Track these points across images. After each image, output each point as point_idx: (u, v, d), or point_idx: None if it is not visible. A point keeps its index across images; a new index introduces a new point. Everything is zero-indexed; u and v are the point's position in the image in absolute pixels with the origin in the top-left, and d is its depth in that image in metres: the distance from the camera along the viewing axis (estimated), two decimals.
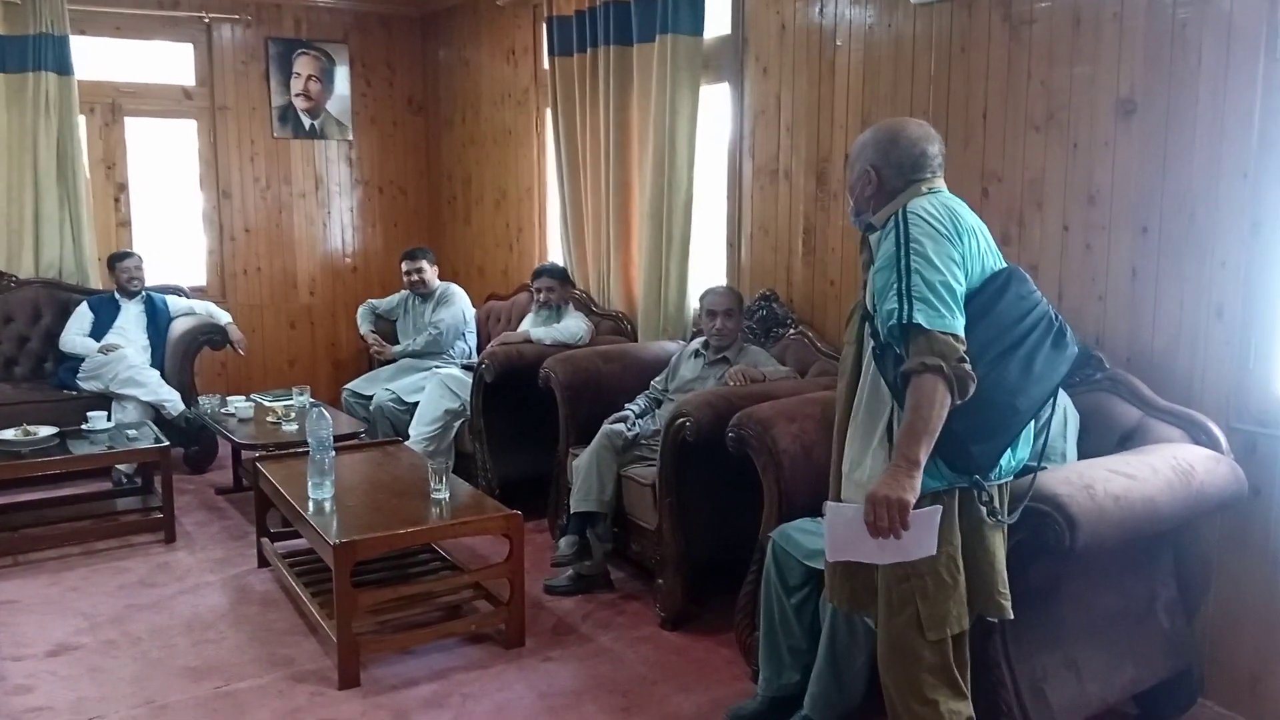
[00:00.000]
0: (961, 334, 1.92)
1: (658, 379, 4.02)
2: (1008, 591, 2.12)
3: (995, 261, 2.13)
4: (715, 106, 4.40)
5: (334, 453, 3.53)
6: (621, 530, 3.73)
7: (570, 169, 5.06)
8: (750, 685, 3.03)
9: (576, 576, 3.72)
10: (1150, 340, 2.89)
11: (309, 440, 3.49)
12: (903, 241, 1.97)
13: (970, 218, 2.11)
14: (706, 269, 4.50)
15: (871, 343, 2.06)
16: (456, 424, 4.66)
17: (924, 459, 1.88)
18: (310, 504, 3.42)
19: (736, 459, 3.15)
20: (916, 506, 1.93)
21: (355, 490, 3.62)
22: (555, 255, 5.50)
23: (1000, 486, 2.12)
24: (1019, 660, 2.37)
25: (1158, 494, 2.40)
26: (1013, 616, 2.14)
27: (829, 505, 2.05)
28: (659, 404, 3.95)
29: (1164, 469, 2.47)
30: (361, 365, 6.10)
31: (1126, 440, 2.75)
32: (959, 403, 1.88)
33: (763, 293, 4.05)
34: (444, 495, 3.42)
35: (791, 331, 3.95)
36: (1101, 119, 2.96)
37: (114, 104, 5.87)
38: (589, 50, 4.82)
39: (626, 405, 3.94)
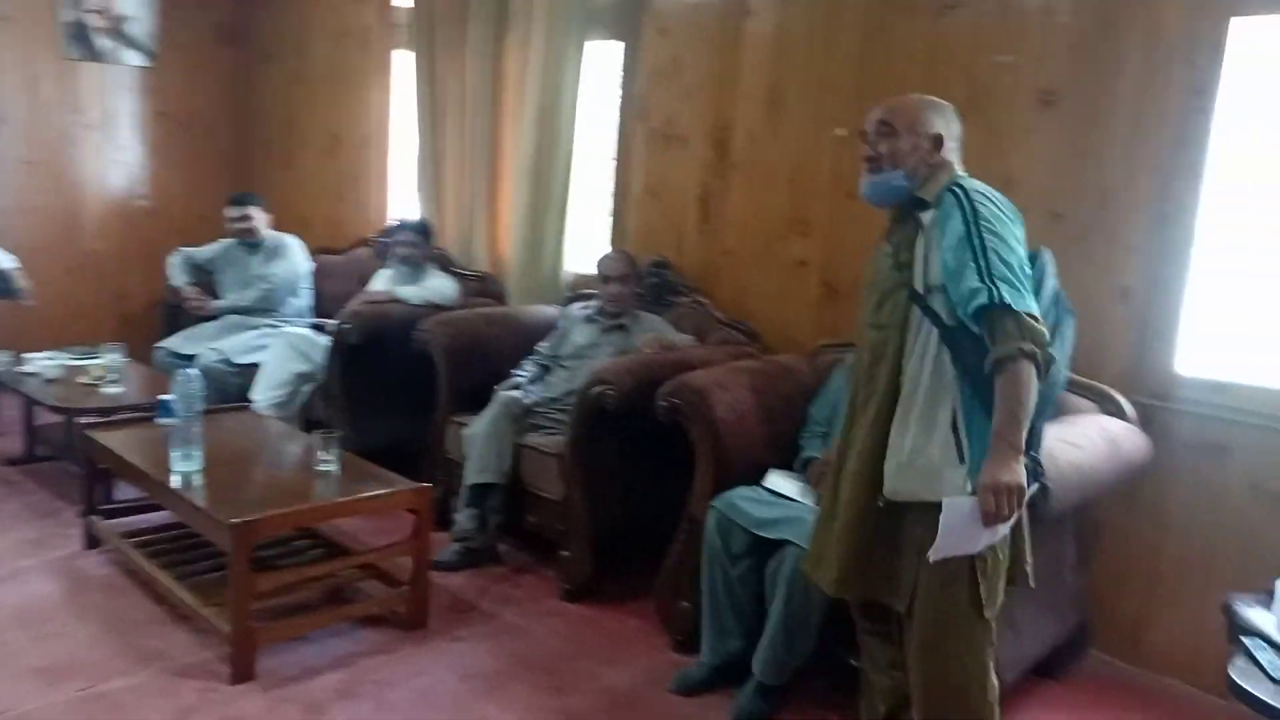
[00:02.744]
0: (1039, 315, 1.91)
1: (543, 344, 3.86)
2: (1030, 559, 2.15)
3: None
4: (602, 63, 4.25)
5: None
6: (515, 502, 3.55)
7: (430, 119, 4.73)
8: (672, 655, 3.00)
9: (465, 551, 3.52)
10: None
11: (175, 404, 3.08)
12: (971, 220, 1.93)
13: None
14: (587, 232, 4.36)
15: (927, 325, 1.99)
16: (306, 388, 4.26)
17: (1023, 444, 1.88)
18: (177, 478, 3.01)
19: (651, 428, 3.08)
20: None
21: (222, 462, 3.21)
22: (402, 209, 5.15)
23: None
24: None
25: (1099, 463, 2.57)
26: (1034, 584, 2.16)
27: (947, 501, 1.92)
28: (547, 370, 3.79)
29: (1098, 440, 2.65)
30: (155, 321, 5.42)
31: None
32: (1041, 385, 1.89)
33: (656, 258, 3.97)
34: (334, 467, 3.12)
35: (686, 299, 3.90)
36: (1022, 107, 3.11)
37: None
38: None
39: (515, 372, 3.75)
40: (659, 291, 3.95)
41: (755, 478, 2.92)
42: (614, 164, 4.24)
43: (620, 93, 4.19)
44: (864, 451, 2.08)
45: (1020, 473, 1.87)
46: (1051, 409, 2.09)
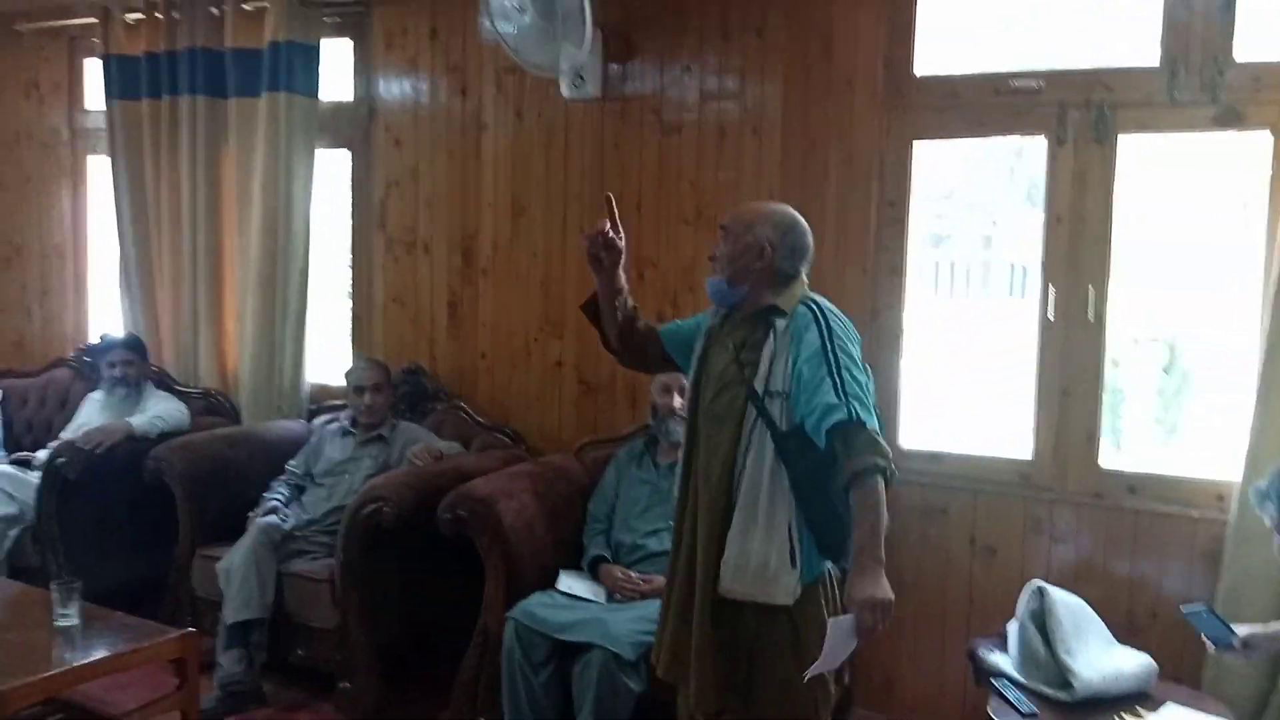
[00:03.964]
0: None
1: (293, 462, 3.71)
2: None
3: None
4: (333, 170, 4.21)
5: None
6: (279, 636, 3.35)
7: (137, 227, 4.44)
8: None
9: (228, 695, 3.26)
10: None
11: None
12: (827, 337, 2.01)
13: None
14: (327, 342, 4.25)
15: (761, 427, 2.03)
16: (14, 533, 3.78)
17: (883, 555, 1.92)
18: None
19: (428, 541, 3.07)
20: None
21: None
22: (103, 324, 4.74)
23: None
24: None
25: None
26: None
27: (832, 622, 1.94)
28: (301, 490, 3.64)
29: None
30: None
31: None
32: None
33: (407, 366, 3.95)
34: (76, 620, 2.81)
35: (442, 405, 3.90)
36: None
37: None
38: (166, 97, 4.30)
39: (267, 495, 3.57)
40: (413, 399, 3.92)
41: (545, 582, 2.98)
42: (352, 272, 4.19)
43: (353, 201, 4.17)
44: (706, 547, 2.09)
45: (888, 587, 1.90)
46: None
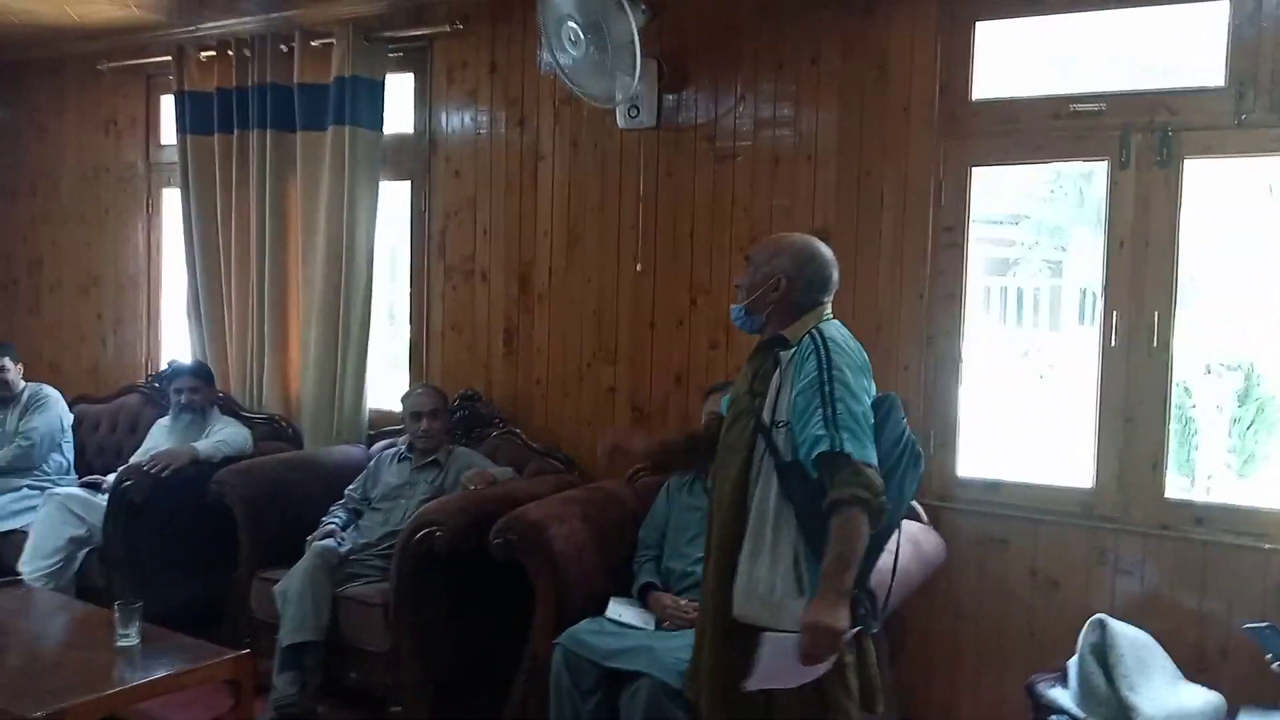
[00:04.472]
0: (876, 465, 1.99)
1: (352, 487, 3.76)
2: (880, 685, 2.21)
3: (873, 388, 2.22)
4: (395, 201, 4.30)
5: None
6: (334, 659, 3.38)
7: (207, 258, 4.57)
8: None
9: (279, 717, 3.29)
10: None
11: None
12: (825, 367, 2.02)
13: None
14: (387, 368, 4.32)
15: (768, 456, 2.07)
16: (81, 554, 3.89)
17: (849, 587, 1.95)
18: None
19: (481, 566, 3.07)
20: None
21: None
22: (173, 351, 4.88)
23: None
24: None
25: (908, 564, 2.81)
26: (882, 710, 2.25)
27: (768, 636, 1.96)
28: (359, 514, 3.69)
29: (905, 543, 2.89)
30: None
31: None
32: (871, 532, 1.98)
33: (464, 392, 3.99)
34: (135, 641, 2.87)
35: (497, 431, 3.93)
36: None
37: None
38: (235, 131, 4.45)
39: (326, 519, 3.62)
40: (469, 424, 3.96)
41: (595, 608, 2.97)
42: (411, 299, 4.26)
43: (413, 230, 4.25)
44: (717, 571, 2.13)
45: (842, 617, 1.92)
46: (882, 551, 2.15)
